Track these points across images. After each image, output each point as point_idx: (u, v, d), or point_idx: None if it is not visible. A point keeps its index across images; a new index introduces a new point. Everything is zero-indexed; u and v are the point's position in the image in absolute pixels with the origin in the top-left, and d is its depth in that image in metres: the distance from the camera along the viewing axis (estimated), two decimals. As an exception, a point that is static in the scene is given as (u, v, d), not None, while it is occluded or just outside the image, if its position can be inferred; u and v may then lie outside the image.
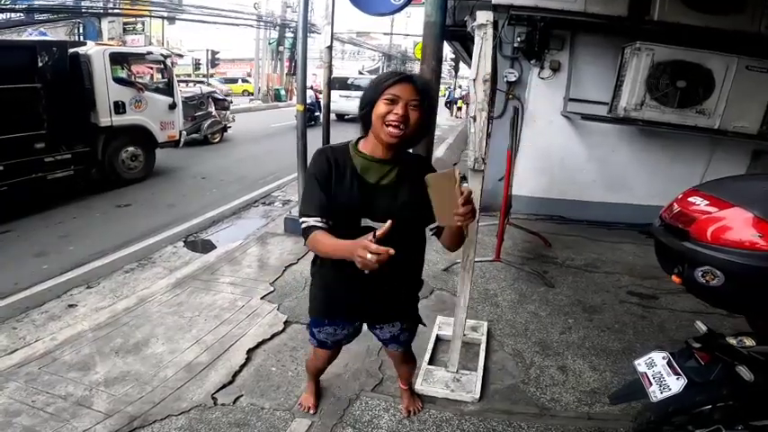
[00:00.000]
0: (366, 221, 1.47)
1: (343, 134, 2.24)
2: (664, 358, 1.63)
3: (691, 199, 1.94)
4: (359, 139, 1.53)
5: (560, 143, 5.19)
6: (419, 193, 1.43)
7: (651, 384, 1.57)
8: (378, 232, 1.31)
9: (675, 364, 1.58)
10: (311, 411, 2.13)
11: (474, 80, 1.95)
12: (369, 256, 1.23)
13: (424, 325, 1.96)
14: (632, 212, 5.19)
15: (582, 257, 4.28)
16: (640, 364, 1.68)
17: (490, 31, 1.84)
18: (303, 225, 1.48)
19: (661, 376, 1.57)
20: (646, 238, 4.92)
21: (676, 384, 1.51)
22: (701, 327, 1.68)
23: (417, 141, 1.48)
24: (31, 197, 5.31)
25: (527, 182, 5.27)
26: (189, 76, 18.30)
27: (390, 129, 1.35)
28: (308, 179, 1.51)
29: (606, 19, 4.39)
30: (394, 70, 1.47)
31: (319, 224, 1.44)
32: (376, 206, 1.47)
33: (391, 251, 1.23)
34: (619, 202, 5.26)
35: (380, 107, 1.36)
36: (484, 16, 1.81)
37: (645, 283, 3.76)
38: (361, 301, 1.64)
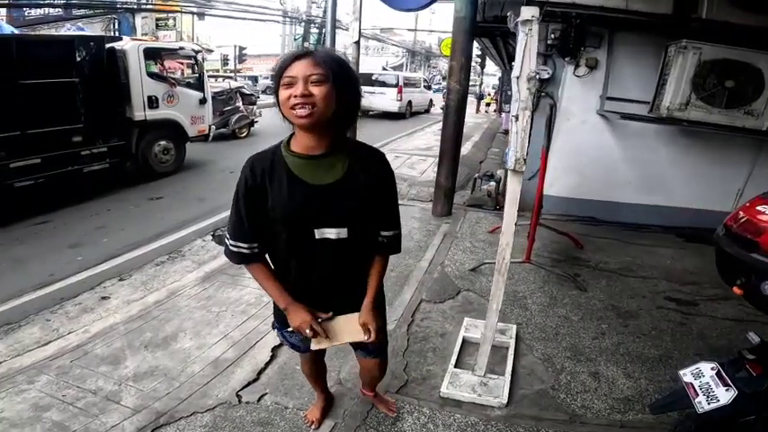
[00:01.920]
0: (322, 232, 1.33)
1: (368, 131, 2.19)
2: (713, 369, 1.56)
3: (760, 207, 1.81)
4: (290, 136, 1.36)
5: (594, 142, 5.01)
6: (372, 189, 1.36)
7: (698, 395, 1.50)
8: (319, 344, 1.44)
9: (725, 375, 1.51)
10: (313, 426, 2.03)
11: (518, 78, 1.87)
12: (306, 331, 1.40)
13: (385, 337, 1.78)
14: (669, 215, 5.00)
15: (616, 261, 4.12)
16: (686, 374, 1.61)
17: (536, 27, 1.76)
18: (231, 249, 1.38)
19: (709, 387, 1.50)
20: (684, 241, 4.73)
21: (725, 396, 1.44)
22: (754, 338, 1.60)
23: (347, 121, 1.32)
24: (69, 189, 5.48)
25: (557, 181, 5.12)
26: (217, 71, 18.62)
27: (296, 111, 1.19)
28: (233, 197, 1.35)
29: (649, 17, 4.20)
30: (293, 51, 1.29)
31: (246, 251, 1.36)
32: (325, 211, 1.31)
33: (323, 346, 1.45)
34: (655, 204, 5.06)
35: (281, 94, 1.22)
36: (529, 12, 1.73)
37: (684, 289, 3.60)
38: (322, 310, 1.47)
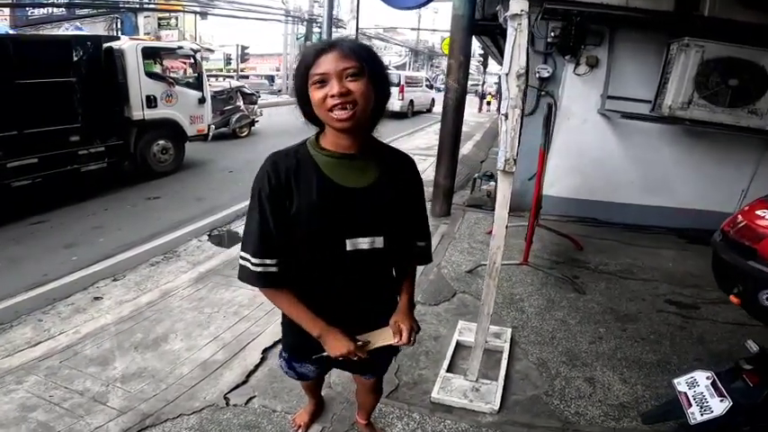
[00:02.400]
0: (355, 242, 1.17)
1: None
2: (708, 378, 1.50)
3: (760, 212, 1.74)
4: (317, 134, 1.21)
5: (595, 142, 4.94)
6: (406, 196, 1.26)
7: (691, 405, 1.45)
8: (365, 349, 1.24)
9: (720, 385, 1.45)
10: (300, 430, 1.97)
11: (507, 75, 1.81)
12: (346, 352, 1.21)
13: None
14: (672, 216, 4.93)
15: (616, 262, 4.05)
16: (680, 383, 1.56)
17: (525, 21, 1.70)
18: (240, 263, 1.18)
19: (703, 397, 1.45)
20: (687, 243, 4.65)
21: (719, 407, 1.39)
22: (753, 346, 1.54)
23: (379, 117, 1.19)
24: (66, 189, 5.47)
25: (558, 181, 5.06)
26: (220, 70, 18.65)
27: (337, 112, 1.05)
28: (250, 201, 1.16)
29: (651, 14, 4.13)
30: (315, 44, 1.13)
31: (273, 268, 1.15)
32: (360, 217, 1.16)
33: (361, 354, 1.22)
34: (658, 204, 4.98)
35: (314, 94, 1.07)
36: (518, 5, 1.68)
37: (685, 292, 3.53)
38: (350, 335, 1.29)
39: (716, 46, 3.88)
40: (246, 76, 14.04)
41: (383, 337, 1.29)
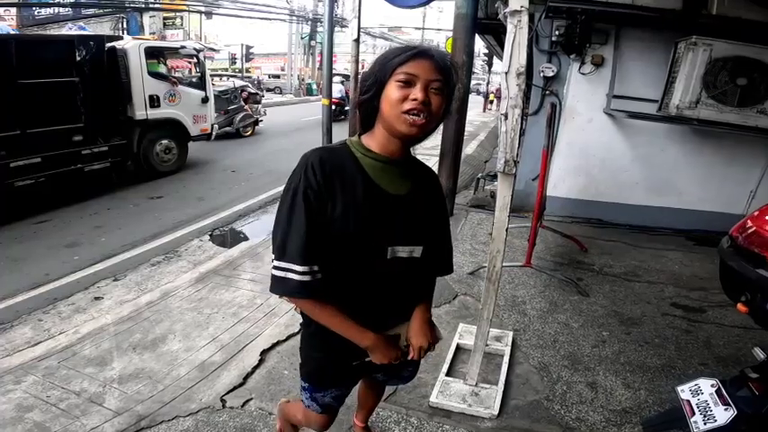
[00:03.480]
0: (395, 250, 1.12)
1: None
2: (713, 386, 1.45)
3: None
4: (359, 135, 1.15)
5: (601, 142, 4.88)
6: (436, 208, 1.24)
7: (694, 414, 1.41)
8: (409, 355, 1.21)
9: (725, 394, 1.40)
10: None
11: (506, 73, 1.77)
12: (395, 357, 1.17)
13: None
14: (680, 217, 4.86)
15: (621, 265, 3.99)
16: (684, 391, 1.51)
17: (525, 18, 1.66)
18: (278, 274, 1.06)
19: (707, 405, 1.41)
20: (694, 245, 4.58)
21: (723, 416, 1.34)
22: (760, 354, 1.49)
23: (430, 134, 1.13)
24: (69, 188, 5.48)
25: (563, 182, 5.01)
26: (225, 70, 18.71)
27: (411, 117, 1.01)
28: (287, 200, 1.06)
29: (658, 12, 4.07)
30: (404, 45, 1.08)
31: (309, 277, 1.05)
32: (403, 225, 1.13)
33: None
34: (665, 206, 4.91)
35: (392, 91, 1.01)
36: (517, 2, 1.63)
37: (691, 295, 3.47)
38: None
39: (724, 45, 3.82)
40: (235, 76, 13.92)
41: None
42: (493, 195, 5.50)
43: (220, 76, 12.25)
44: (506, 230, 1.93)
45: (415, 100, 1.00)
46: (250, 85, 11.40)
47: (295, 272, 1.04)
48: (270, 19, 17.78)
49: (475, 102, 20.31)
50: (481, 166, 7.90)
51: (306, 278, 1.04)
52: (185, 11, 17.45)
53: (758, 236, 1.65)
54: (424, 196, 1.18)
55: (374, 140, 1.11)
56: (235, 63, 21.73)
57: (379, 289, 1.17)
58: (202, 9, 17.08)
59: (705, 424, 1.33)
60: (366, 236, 1.09)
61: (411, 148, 1.17)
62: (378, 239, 1.10)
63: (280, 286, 1.06)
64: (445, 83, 1.03)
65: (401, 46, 1.07)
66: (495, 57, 15.17)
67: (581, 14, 4.32)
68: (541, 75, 4.80)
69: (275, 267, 1.07)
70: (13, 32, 5.78)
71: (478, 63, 22.13)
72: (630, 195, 4.97)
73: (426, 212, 1.19)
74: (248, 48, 19.93)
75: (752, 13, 3.84)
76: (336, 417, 1.50)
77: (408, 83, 1.01)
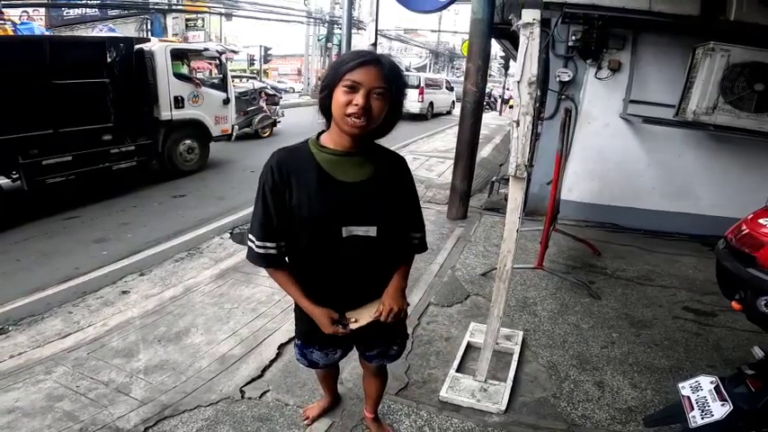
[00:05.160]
0: (350, 230, 1.30)
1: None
2: (712, 383, 1.53)
3: (762, 221, 1.74)
4: (320, 133, 1.35)
5: (617, 147, 4.89)
6: (398, 192, 1.38)
7: (693, 409, 1.48)
8: (349, 327, 1.35)
9: (723, 390, 1.47)
10: (306, 422, 2.06)
11: (518, 82, 1.85)
12: (333, 330, 1.34)
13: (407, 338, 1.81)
14: (695, 223, 4.83)
15: (634, 269, 4.01)
16: (684, 387, 1.58)
17: (537, 30, 1.73)
18: (257, 252, 1.33)
19: (705, 401, 1.48)
20: (709, 250, 4.55)
21: (720, 411, 1.41)
22: (758, 352, 1.56)
23: (387, 131, 1.32)
24: (97, 186, 5.71)
25: (578, 186, 5.02)
26: (244, 71, 19.02)
27: (352, 120, 1.18)
28: (257, 192, 1.32)
29: (675, 18, 4.07)
30: (359, 50, 1.25)
31: (273, 251, 1.32)
32: (355, 209, 1.30)
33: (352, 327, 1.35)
34: (681, 211, 4.89)
35: (339, 95, 1.18)
36: (530, 15, 1.71)
37: (704, 299, 3.47)
38: (346, 309, 1.44)
39: (742, 50, 3.80)
40: (254, 78, 14.10)
41: (369, 313, 1.40)
42: (507, 199, 5.54)
43: (240, 77, 12.48)
44: (517, 231, 2.00)
45: (356, 105, 1.16)
46: (269, 87, 11.60)
47: (255, 244, 1.33)
48: (288, 21, 18.04)
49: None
50: (496, 170, 7.93)
51: (260, 251, 1.32)
52: (206, 12, 17.83)
53: (750, 237, 1.71)
54: (384, 182, 1.34)
55: (330, 137, 1.31)
56: (253, 64, 22.06)
57: (342, 265, 1.35)
58: (222, 11, 17.43)
59: (703, 419, 1.39)
60: (320, 218, 1.29)
61: (376, 140, 1.35)
62: (330, 221, 1.29)
63: (247, 253, 1.37)
64: (389, 89, 1.20)
65: (354, 52, 1.24)
66: (511, 60, 15.13)
67: (598, 20, 4.35)
68: (558, 79, 4.83)
69: (248, 238, 1.36)
70: (46, 33, 6.00)
71: (495, 66, 22.04)
72: (646, 200, 4.96)
73: (386, 195, 1.34)
74: (266, 49, 20.23)
75: (770, 18, 3.82)
76: (335, 373, 1.95)
77: (353, 88, 1.17)
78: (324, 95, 1.24)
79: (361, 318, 1.39)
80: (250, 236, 1.34)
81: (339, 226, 1.29)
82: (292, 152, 1.32)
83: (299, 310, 1.50)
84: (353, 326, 1.37)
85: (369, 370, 1.81)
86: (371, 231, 1.32)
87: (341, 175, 1.28)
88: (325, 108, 1.26)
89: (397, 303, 1.41)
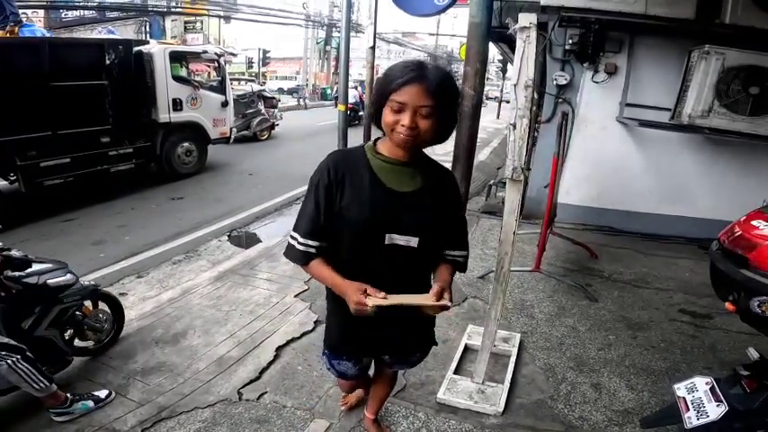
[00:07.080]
0: (392, 237, 1.29)
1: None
2: (707, 384, 1.54)
3: (755, 222, 1.76)
4: (377, 139, 1.36)
5: (614, 150, 4.91)
6: (445, 207, 1.36)
7: (688, 410, 1.49)
8: (376, 301, 1.22)
9: (719, 391, 1.49)
10: (342, 408, 2.15)
11: (515, 85, 1.87)
12: (366, 306, 1.20)
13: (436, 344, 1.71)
14: (692, 226, 4.84)
15: (631, 271, 4.02)
16: (680, 388, 1.60)
17: (533, 34, 1.75)
18: (289, 241, 1.34)
19: (701, 402, 1.49)
20: (705, 253, 4.56)
21: (715, 412, 1.42)
22: (753, 354, 1.58)
23: (442, 140, 1.30)
24: (95, 188, 5.70)
25: (575, 189, 5.04)
26: (242, 74, 19.05)
27: (398, 136, 1.20)
28: (309, 189, 1.32)
29: (670, 21, 4.10)
30: (406, 63, 1.22)
31: (313, 250, 1.32)
32: (401, 217, 1.28)
33: (379, 302, 1.21)
34: (677, 214, 4.91)
35: (386, 115, 1.21)
36: (526, 19, 1.73)
37: (700, 302, 3.49)
38: (389, 336, 1.46)
39: (737, 53, 3.84)
40: (253, 80, 14.07)
41: (417, 299, 1.29)
42: (504, 202, 5.56)
43: (239, 80, 12.49)
44: (515, 234, 2.01)
45: (403, 126, 1.18)
46: (267, 90, 11.62)
47: (297, 242, 1.32)
48: (286, 24, 18.09)
49: (491, 108, 20.36)
50: (493, 173, 7.95)
51: (302, 248, 1.32)
52: (205, 15, 17.85)
53: (743, 239, 1.73)
54: (432, 194, 1.33)
55: (385, 145, 1.32)
56: (251, 67, 22.09)
57: (379, 269, 1.32)
58: (221, 14, 17.46)
59: (698, 419, 1.40)
60: (366, 221, 1.28)
61: (423, 152, 1.34)
62: (376, 226, 1.28)
63: (287, 250, 1.36)
64: (436, 106, 1.17)
65: (401, 66, 1.21)
66: (509, 64, 15.20)
67: (594, 24, 4.38)
68: (554, 83, 4.86)
69: (290, 235, 1.35)
70: (47, 35, 6.00)
71: (492, 69, 22.12)
72: (643, 203, 4.98)
73: (433, 208, 1.32)
74: (265, 52, 20.26)
75: (765, 22, 3.84)
76: (355, 388, 1.90)
77: (399, 110, 1.18)
78: (372, 112, 1.29)
79: (391, 299, 1.26)
80: (293, 233, 1.34)
81: (383, 232, 1.29)
82: (348, 154, 1.37)
83: (333, 320, 1.51)
84: (380, 302, 1.24)
85: (384, 375, 1.81)
86: (413, 242, 1.30)
87: (392, 183, 1.29)
88: (376, 123, 1.29)
89: (448, 290, 1.32)
